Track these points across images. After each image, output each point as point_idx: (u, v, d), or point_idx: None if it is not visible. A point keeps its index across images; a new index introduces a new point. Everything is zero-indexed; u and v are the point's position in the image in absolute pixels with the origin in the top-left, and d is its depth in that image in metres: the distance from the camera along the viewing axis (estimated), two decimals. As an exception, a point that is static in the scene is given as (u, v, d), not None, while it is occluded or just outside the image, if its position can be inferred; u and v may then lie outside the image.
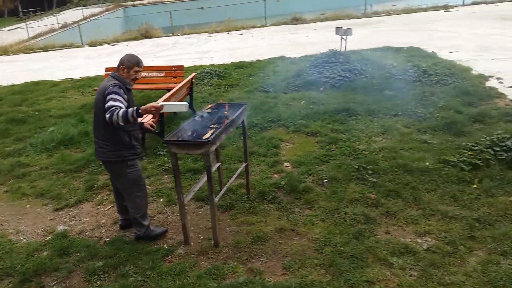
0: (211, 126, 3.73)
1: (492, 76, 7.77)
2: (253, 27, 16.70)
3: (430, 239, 3.73)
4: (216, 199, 3.82)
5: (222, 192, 4.15)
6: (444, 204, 4.19)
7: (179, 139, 3.49)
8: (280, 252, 3.75)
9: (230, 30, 16.60)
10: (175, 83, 7.65)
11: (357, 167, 4.97)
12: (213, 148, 3.49)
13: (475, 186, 4.40)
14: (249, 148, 5.70)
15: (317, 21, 16.15)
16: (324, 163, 5.24)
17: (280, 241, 3.89)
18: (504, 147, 4.75)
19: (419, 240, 3.74)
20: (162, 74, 8.27)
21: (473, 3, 15.94)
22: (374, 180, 4.71)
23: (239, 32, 16.08)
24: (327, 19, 16.09)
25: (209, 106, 4.09)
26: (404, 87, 7.37)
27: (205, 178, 3.60)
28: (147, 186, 5.10)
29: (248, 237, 3.97)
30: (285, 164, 5.34)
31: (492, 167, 4.61)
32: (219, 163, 4.36)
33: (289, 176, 4.93)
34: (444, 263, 3.41)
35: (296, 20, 16.68)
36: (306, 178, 4.91)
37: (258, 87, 8.47)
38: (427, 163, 4.86)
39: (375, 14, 16.27)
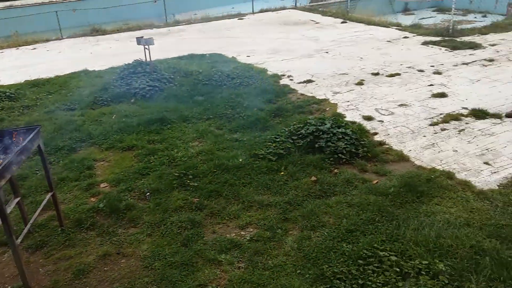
0: (-3, 157, 3.18)
1: (284, 75, 8.80)
2: (47, 40, 15.11)
3: (252, 229, 3.99)
4: (19, 240, 3.29)
5: (26, 230, 3.60)
6: (260, 194, 4.55)
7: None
8: (106, 280, 3.47)
9: (19, 45, 14.65)
10: (-50, 111, 6.34)
11: (177, 174, 4.98)
12: (2, 182, 2.98)
13: (282, 173, 4.90)
14: (57, 174, 5.15)
15: (120, 32, 15.60)
16: (144, 176, 5.09)
17: (106, 268, 3.61)
18: (300, 135, 5.43)
19: (242, 233, 3.96)
20: None
21: (261, 11, 17.80)
22: (196, 184, 4.79)
23: (31, 46, 14.34)
24: (129, 29, 15.67)
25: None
26: (211, 91, 7.74)
27: (1, 219, 3.05)
28: None
29: (68, 273, 3.56)
30: (102, 185, 4.98)
31: (293, 154, 5.21)
32: (18, 198, 3.76)
33: (108, 196, 4.62)
34: (266, 248, 3.70)
35: (96, 31, 15.78)
36: (127, 195, 4.69)
37: (61, 106, 7.70)
38: (240, 160, 5.20)
39: (177, 23, 16.62)
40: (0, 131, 3.49)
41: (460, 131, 5.72)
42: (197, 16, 17.69)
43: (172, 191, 4.70)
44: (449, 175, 4.63)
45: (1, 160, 3.12)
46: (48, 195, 3.99)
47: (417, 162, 5.03)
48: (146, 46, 8.34)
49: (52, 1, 20.26)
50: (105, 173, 5.27)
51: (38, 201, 4.59)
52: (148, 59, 8.48)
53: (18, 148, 3.21)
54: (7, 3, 19.55)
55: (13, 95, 8.41)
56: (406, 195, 4.27)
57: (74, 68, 10.25)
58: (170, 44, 12.51)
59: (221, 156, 5.36)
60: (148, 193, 4.69)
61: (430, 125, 6.00)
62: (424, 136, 5.70)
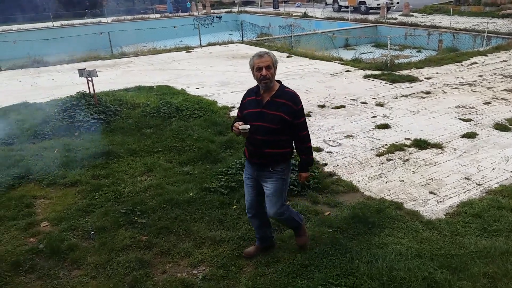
0: None
1: (234, 107, 8.84)
2: (-17, 72, 14.30)
3: (204, 268, 3.84)
4: None
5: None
6: (212, 229, 4.41)
7: None
8: (45, 331, 3.16)
9: (-51, 77, 13.71)
10: None
11: (124, 211, 4.76)
12: None
13: (234, 207, 4.81)
14: (-9, 214, 4.74)
15: (63, 63, 15.09)
16: (88, 214, 4.81)
17: (45, 317, 3.30)
18: (252, 168, 5.38)
19: (194, 271, 3.80)
20: None
21: (208, 44, 18.03)
22: (144, 221, 4.59)
23: (-36, 78, 13.48)
24: (73, 61, 15.21)
25: None
26: (160, 124, 7.59)
27: None
28: None
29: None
30: (43, 224, 4.64)
31: (246, 187, 5.14)
32: None
33: (48, 236, 4.31)
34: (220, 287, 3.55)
35: (38, 63, 15.18)
36: (70, 235, 4.39)
37: (-3, 140, 7.19)
38: (191, 194, 5.06)
39: (123, 55, 16.39)
40: None
41: (404, 161, 5.96)
42: (144, 48, 17.57)
43: (119, 229, 4.46)
44: (398, 206, 4.75)
45: None
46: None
47: (366, 193, 5.15)
48: (89, 78, 8.08)
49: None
50: (45, 211, 4.92)
51: (-33, 246, 4.19)
52: (92, 91, 8.21)
53: None
54: None
55: None
56: (357, 226, 4.32)
57: (13, 101, 9.70)
58: (117, 76, 12.26)
59: (171, 190, 5.19)
60: (92, 232, 4.41)
61: (376, 155, 6.21)
62: (371, 166, 5.87)
